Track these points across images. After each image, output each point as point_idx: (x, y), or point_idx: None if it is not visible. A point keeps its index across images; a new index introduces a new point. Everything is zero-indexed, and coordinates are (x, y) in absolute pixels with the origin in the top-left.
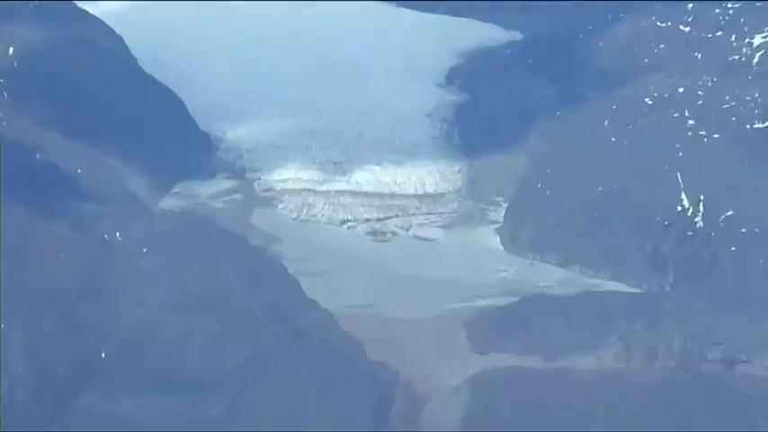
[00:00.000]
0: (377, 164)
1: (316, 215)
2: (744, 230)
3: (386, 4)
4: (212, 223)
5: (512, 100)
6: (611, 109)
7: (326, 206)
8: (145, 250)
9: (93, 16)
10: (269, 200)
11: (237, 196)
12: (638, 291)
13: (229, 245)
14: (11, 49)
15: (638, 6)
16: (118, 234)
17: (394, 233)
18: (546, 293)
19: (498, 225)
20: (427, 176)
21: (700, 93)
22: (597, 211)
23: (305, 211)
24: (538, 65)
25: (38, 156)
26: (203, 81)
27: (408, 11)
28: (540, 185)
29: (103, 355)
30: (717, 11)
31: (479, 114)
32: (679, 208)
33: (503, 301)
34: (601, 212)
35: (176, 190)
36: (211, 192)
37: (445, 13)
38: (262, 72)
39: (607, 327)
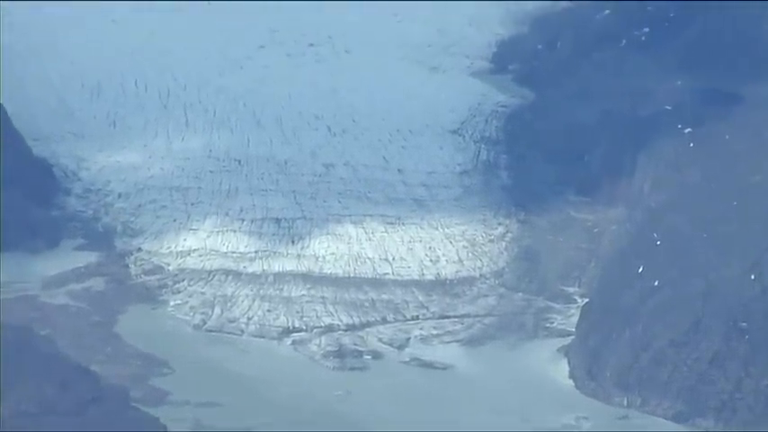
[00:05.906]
0: (354, 222)
1: (236, 320)
2: None
3: None
4: (41, 339)
5: (598, 105)
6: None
7: (256, 303)
8: None
9: None
10: (153, 290)
11: (96, 283)
12: None
13: (71, 381)
14: None
15: None
16: None
17: (377, 354)
18: None
19: (568, 340)
20: (443, 245)
21: None
22: (745, 322)
23: (217, 312)
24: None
25: None
26: (43, 78)
27: None
28: (642, 269)
29: None
30: None
31: (543, 130)
32: None
33: None
34: (752, 324)
35: None
36: (50, 273)
37: None
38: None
39: None
